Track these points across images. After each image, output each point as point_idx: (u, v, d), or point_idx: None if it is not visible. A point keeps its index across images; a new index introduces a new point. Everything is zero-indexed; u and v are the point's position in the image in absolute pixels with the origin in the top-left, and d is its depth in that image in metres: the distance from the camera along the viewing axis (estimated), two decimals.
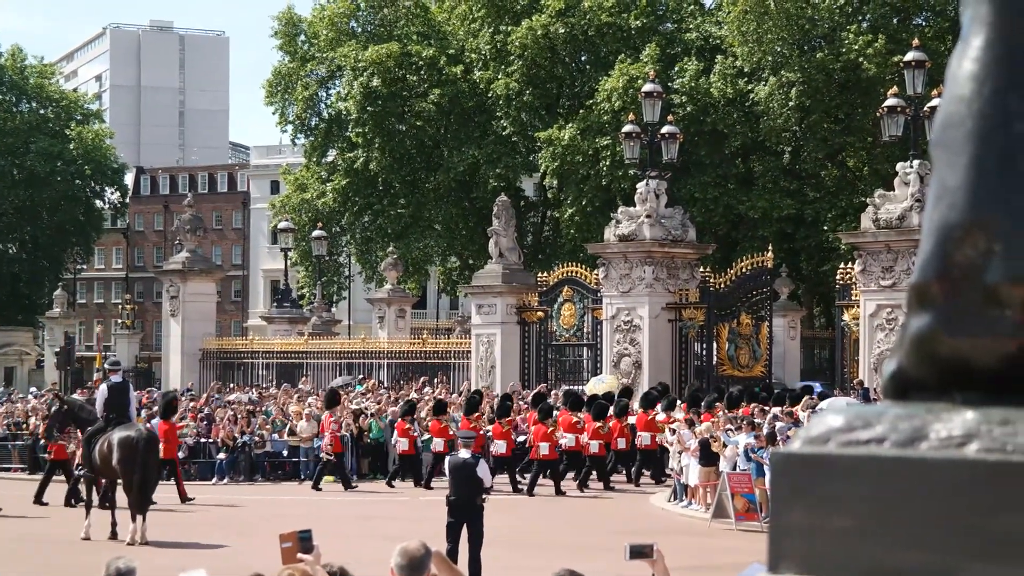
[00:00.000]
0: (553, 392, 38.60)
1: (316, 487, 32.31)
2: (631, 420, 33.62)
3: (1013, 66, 2.95)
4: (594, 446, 32.49)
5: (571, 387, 38.71)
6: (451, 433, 32.06)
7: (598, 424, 32.63)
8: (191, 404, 39.36)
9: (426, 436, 33.99)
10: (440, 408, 33.80)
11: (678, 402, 33.36)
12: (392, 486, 33.01)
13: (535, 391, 37.31)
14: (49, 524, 26.59)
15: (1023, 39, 2.97)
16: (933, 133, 3.09)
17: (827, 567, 2.87)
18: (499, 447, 32.67)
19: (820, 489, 2.89)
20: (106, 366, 28.39)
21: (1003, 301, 2.88)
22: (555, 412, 33.42)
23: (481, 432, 31.75)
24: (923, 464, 2.80)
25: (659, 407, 33.58)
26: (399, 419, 34.11)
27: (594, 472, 32.75)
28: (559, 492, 31.42)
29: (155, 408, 34.72)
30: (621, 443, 33.04)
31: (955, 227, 2.92)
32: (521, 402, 37.10)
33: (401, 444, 33.57)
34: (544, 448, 31.89)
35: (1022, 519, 2.66)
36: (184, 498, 29.19)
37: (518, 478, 32.55)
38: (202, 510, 28.64)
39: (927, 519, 2.76)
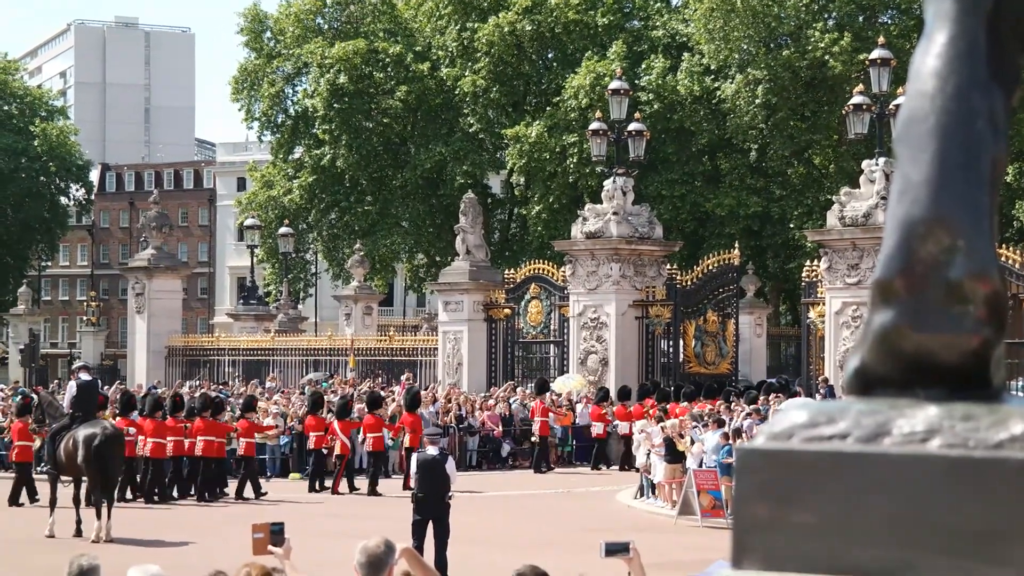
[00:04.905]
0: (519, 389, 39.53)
1: (539, 470, 35.18)
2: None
3: (975, 62, 2.95)
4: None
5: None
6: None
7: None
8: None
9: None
10: (637, 393, 37.33)
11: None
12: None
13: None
14: (11, 521, 26.38)
15: (985, 35, 2.97)
16: (896, 129, 3.08)
17: (790, 562, 2.86)
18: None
19: (783, 484, 2.89)
20: (74, 367, 28.57)
21: (966, 297, 2.88)
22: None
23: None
24: (886, 460, 2.80)
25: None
26: (594, 405, 36.85)
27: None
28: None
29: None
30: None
31: (918, 223, 2.92)
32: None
33: (596, 428, 36.62)
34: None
35: (983, 514, 2.67)
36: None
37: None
38: (167, 508, 28.54)
39: (889, 514, 2.76)
